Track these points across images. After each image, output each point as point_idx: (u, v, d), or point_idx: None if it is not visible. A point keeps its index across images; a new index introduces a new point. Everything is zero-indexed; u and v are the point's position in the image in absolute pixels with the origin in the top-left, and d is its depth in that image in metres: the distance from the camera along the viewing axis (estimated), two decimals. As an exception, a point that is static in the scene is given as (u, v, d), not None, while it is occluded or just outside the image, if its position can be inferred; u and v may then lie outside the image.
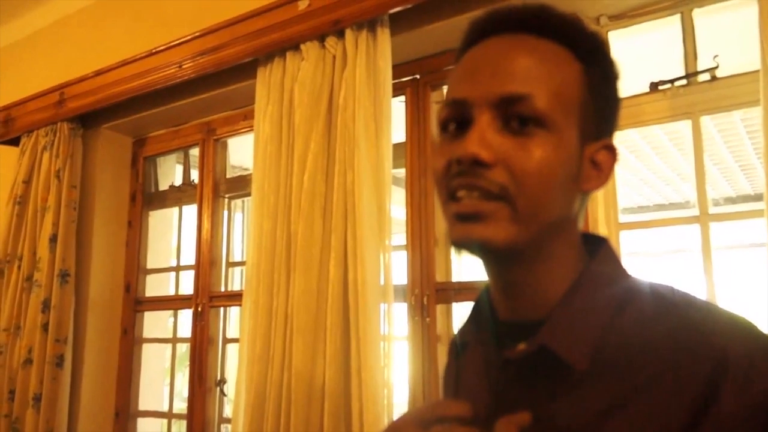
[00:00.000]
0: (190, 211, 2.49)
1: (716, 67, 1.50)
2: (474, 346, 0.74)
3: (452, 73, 0.68)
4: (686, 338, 0.56)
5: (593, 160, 0.65)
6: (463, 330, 0.77)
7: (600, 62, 0.65)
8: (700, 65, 1.54)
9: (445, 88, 1.72)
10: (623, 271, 0.66)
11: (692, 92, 1.52)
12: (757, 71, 1.33)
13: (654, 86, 1.56)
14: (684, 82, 1.54)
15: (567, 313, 0.62)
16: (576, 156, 0.63)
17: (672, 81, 1.54)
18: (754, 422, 0.52)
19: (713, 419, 0.52)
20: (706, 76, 1.51)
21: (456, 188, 0.61)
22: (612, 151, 0.66)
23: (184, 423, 2.30)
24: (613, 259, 0.67)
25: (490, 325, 0.70)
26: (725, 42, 1.64)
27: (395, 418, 0.71)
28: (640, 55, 1.95)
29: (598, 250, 0.67)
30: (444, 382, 0.85)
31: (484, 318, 0.71)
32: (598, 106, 0.65)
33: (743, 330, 0.56)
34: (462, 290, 1.74)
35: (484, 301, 0.72)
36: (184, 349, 2.87)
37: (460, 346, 0.77)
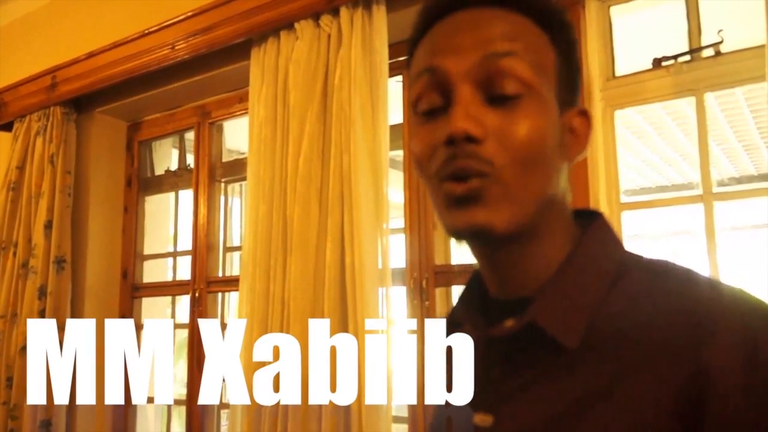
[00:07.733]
0: (187, 195, 2.46)
1: (720, 42, 1.46)
2: (465, 327, 0.72)
3: (417, 53, 0.65)
4: (681, 313, 0.53)
5: (570, 127, 0.63)
6: (455, 311, 0.74)
7: (562, 28, 0.64)
8: (705, 40, 1.50)
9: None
10: (618, 246, 0.64)
11: (696, 68, 1.48)
12: (762, 46, 1.29)
13: (657, 62, 1.52)
14: (688, 58, 1.50)
15: (558, 289, 0.60)
16: (558, 123, 0.61)
17: (675, 57, 1.50)
18: (760, 391, 0.48)
19: (720, 392, 0.49)
20: (710, 52, 1.48)
21: (449, 176, 0.58)
22: (586, 116, 0.65)
23: (183, 409, 2.29)
24: (607, 233, 0.65)
25: (478, 303, 0.68)
26: (730, 16, 1.60)
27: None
28: (643, 30, 1.91)
29: (590, 225, 0.65)
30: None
31: (475, 297, 0.69)
32: (569, 72, 0.63)
33: (742, 302, 0.54)
34: (461, 273, 1.71)
35: (474, 281, 0.70)
36: (183, 335, 2.87)
37: (451, 327, 0.74)
